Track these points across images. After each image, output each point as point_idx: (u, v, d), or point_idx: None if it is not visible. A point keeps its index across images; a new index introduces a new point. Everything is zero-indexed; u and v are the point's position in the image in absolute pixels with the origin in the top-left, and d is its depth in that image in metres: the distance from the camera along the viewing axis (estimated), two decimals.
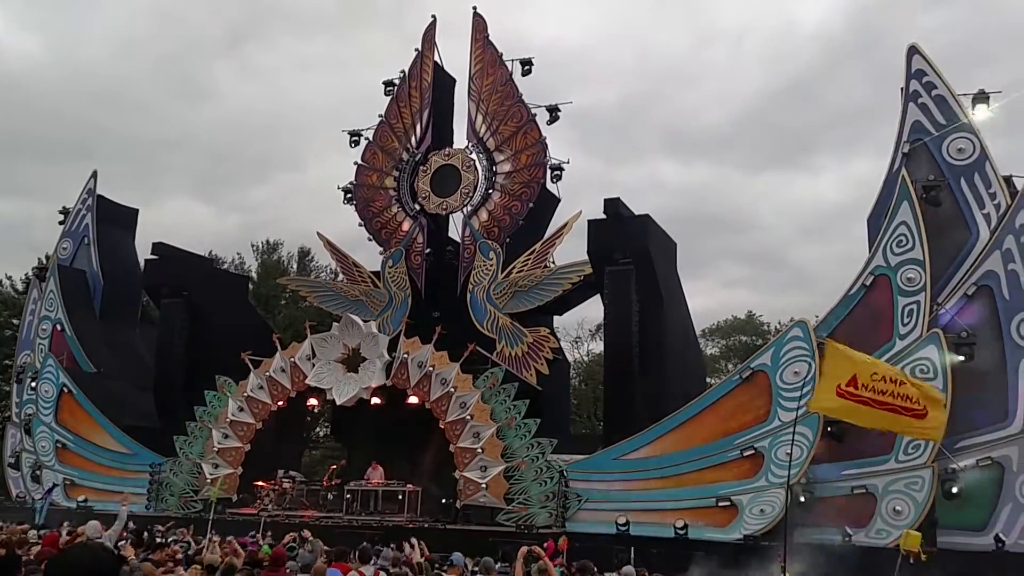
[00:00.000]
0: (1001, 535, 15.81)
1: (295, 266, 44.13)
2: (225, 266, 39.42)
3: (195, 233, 59.50)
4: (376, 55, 57.61)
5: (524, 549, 8.75)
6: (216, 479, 20.85)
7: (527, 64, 24.06)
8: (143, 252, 26.34)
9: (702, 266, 60.37)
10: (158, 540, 12.87)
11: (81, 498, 22.28)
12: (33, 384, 24.67)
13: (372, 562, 9.35)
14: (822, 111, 58.23)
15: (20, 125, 60.29)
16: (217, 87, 64.39)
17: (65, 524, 15.13)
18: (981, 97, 18.07)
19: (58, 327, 25.66)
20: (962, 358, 16.36)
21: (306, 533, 12.92)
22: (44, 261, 29.75)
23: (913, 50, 18.59)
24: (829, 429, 16.26)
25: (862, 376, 8.02)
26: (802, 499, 16.30)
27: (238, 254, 44.77)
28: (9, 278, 38.94)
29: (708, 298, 60.35)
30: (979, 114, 17.95)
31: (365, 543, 10.52)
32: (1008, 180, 17.67)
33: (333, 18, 64.07)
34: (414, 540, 11.25)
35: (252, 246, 45.75)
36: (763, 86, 59.05)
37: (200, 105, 64.83)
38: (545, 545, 13.56)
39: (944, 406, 8.98)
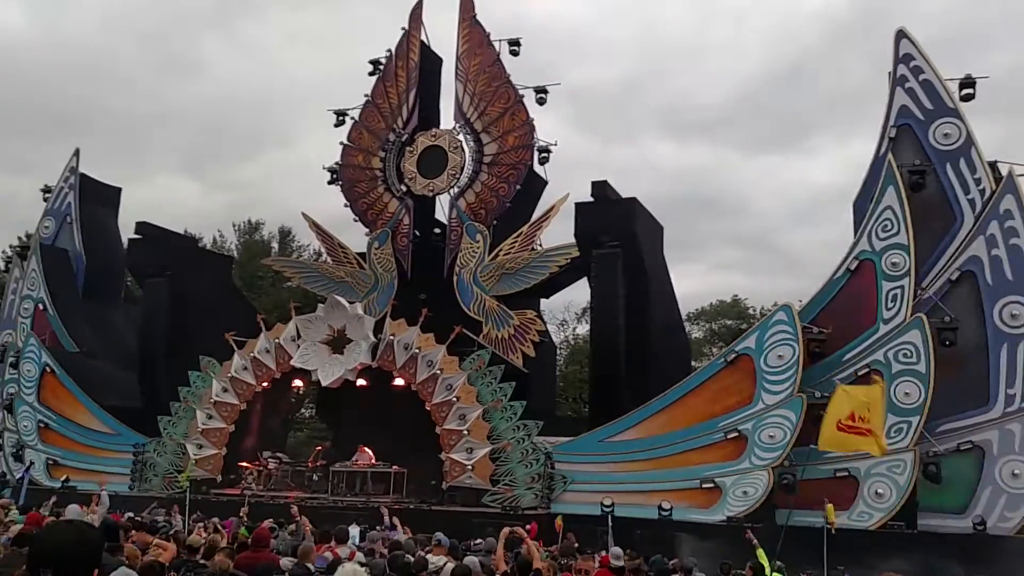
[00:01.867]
0: (981, 517, 16.01)
1: (276, 246, 43.86)
2: (204, 243, 39.13)
3: (182, 210, 58.55)
4: (369, 29, 56.51)
5: (506, 530, 8.75)
6: (188, 463, 20.74)
7: (515, 44, 23.86)
8: (127, 231, 26.12)
9: (695, 248, 60.27)
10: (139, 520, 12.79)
11: (63, 478, 22.17)
12: (15, 364, 24.47)
13: (348, 542, 9.34)
14: (821, 92, 57.54)
15: (2, 100, 59.51)
16: (206, 61, 63.11)
17: (47, 503, 15.06)
18: (967, 82, 18.11)
19: (40, 306, 25.44)
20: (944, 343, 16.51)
21: (294, 511, 12.90)
22: (26, 239, 29.44)
23: (901, 34, 18.58)
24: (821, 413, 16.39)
25: (859, 410, 10.36)
26: (784, 482, 16.45)
27: (219, 232, 44.48)
28: None
29: (700, 281, 60.07)
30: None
31: (342, 524, 10.53)
32: (993, 166, 17.76)
33: None
34: (384, 509, 11.21)
35: (233, 225, 45.47)
36: (763, 66, 58.24)
37: (188, 79, 63.63)
38: (528, 527, 13.61)
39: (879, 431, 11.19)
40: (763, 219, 58.95)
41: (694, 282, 58.43)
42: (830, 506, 12.69)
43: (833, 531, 11.14)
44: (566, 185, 25.57)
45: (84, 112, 60.04)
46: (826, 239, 55.09)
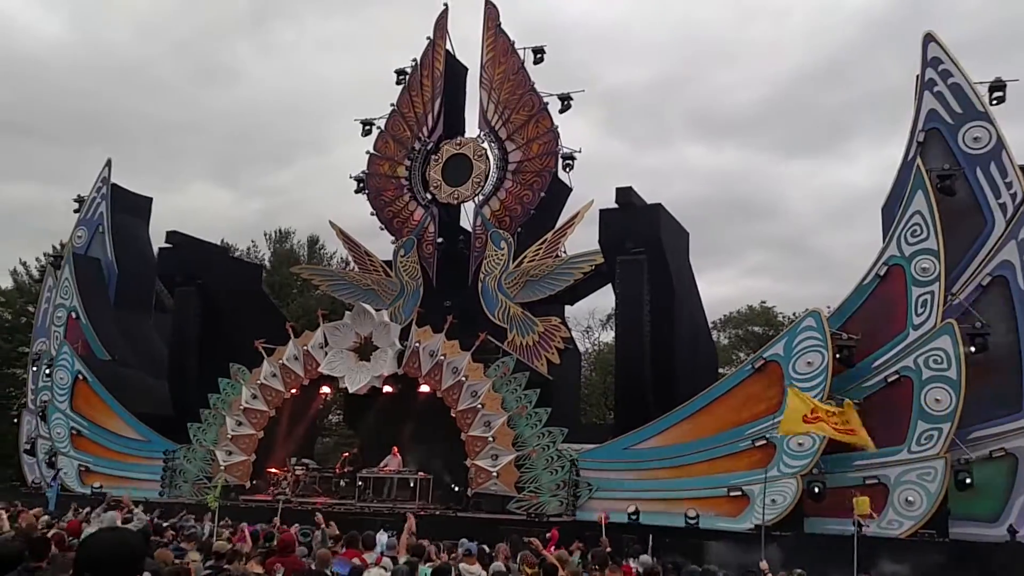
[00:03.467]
0: (1014, 526, 15.73)
1: (305, 254, 44.25)
2: (238, 254, 39.56)
3: (215, 218, 58.87)
4: (403, 35, 56.48)
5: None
6: (216, 483, 20.92)
7: (539, 52, 23.95)
8: (159, 239, 26.46)
9: (726, 253, 59.12)
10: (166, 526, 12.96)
11: (96, 484, 22.49)
12: (48, 371, 24.89)
13: (375, 549, 9.42)
14: (859, 93, 56.15)
15: (40, 107, 60.20)
16: (239, 68, 63.28)
17: (83, 510, 15.30)
18: (998, 85, 17.88)
19: (73, 315, 25.86)
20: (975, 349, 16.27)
21: (318, 518, 12.99)
22: (59, 248, 29.98)
23: (929, 38, 18.40)
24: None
25: (819, 410, 13.15)
26: (815, 490, 16.29)
27: (252, 242, 44.98)
28: (24, 264, 39.32)
29: (731, 286, 59.27)
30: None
31: (369, 531, 10.60)
32: None
33: None
34: (410, 516, 11.30)
35: (264, 234, 45.96)
36: (800, 66, 56.72)
37: (222, 87, 64.01)
38: (548, 534, 13.61)
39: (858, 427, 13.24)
40: (797, 222, 57.91)
41: (725, 287, 57.85)
42: (863, 498, 12.87)
43: (868, 525, 11.07)
44: (597, 189, 25.49)
45: (119, 120, 60.91)
46: (862, 243, 53.56)
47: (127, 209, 27.82)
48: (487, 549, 11.04)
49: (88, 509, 13.74)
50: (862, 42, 54.43)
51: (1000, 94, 17.90)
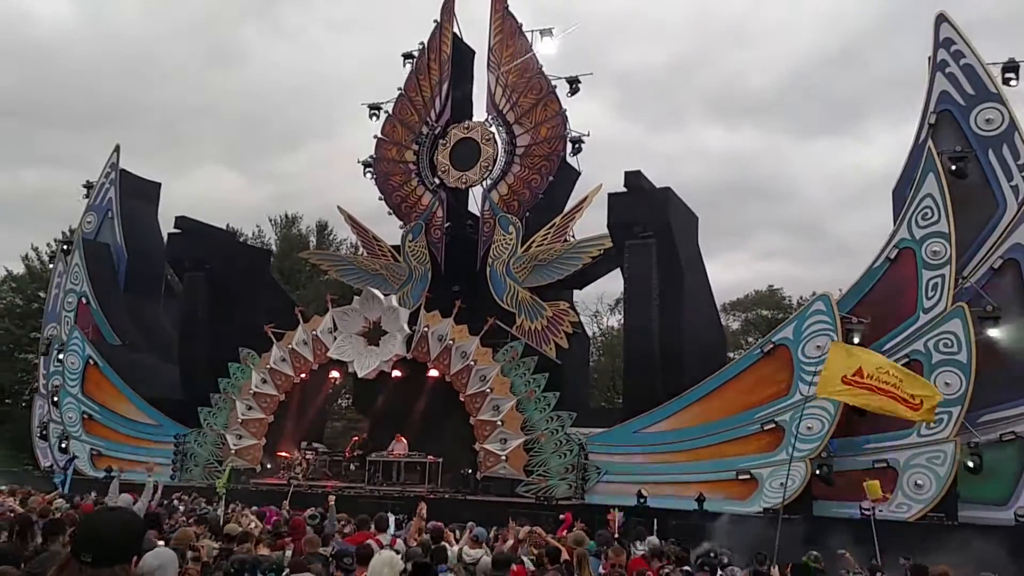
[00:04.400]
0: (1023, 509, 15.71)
1: (314, 239, 44.28)
2: (243, 239, 39.60)
3: (224, 203, 58.81)
4: (414, 17, 55.84)
5: (526, 529, 8.81)
6: (225, 467, 21.02)
7: (547, 35, 23.80)
8: (168, 224, 26.53)
9: (740, 236, 58.85)
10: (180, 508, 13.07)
11: (107, 468, 22.66)
12: (60, 356, 25.05)
13: (388, 530, 9.48)
14: (876, 75, 55.46)
15: (49, 93, 60.25)
16: (248, 52, 63.09)
17: (93, 494, 15.42)
18: (1011, 66, 17.69)
19: (83, 300, 26.00)
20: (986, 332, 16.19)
21: (330, 500, 13.06)
22: (69, 234, 30.07)
23: (941, 18, 18.21)
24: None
25: (867, 368, 9.68)
26: (819, 472, 16.29)
27: (257, 227, 45.04)
28: (35, 249, 39.47)
29: (744, 269, 58.54)
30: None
31: (381, 512, 10.65)
32: None
33: None
34: (422, 504, 11.35)
35: (270, 220, 45.99)
36: (816, 48, 56.17)
37: (231, 71, 63.73)
38: (562, 516, 13.65)
39: (936, 395, 10.16)
40: (812, 205, 57.29)
41: (739, 270, 57.42)
42: (874, 482, 11.77)
43: (880, 508, 10.35)
44: (609, 171, 25.20)
45: (127, 105, 60.88)
46: (877, 225, 52.91)
47: (136, 194, 27.89)
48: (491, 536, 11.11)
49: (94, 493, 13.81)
50: (878, 23, 53.92)
51: (1013, 75, 17.71)
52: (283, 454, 22.15)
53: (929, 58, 18.34)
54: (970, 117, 17.68)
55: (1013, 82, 17.76)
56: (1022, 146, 17.23)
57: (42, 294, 32.25)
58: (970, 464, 15.86)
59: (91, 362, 24.51)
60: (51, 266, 28.49)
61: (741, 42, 58.92)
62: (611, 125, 53.69)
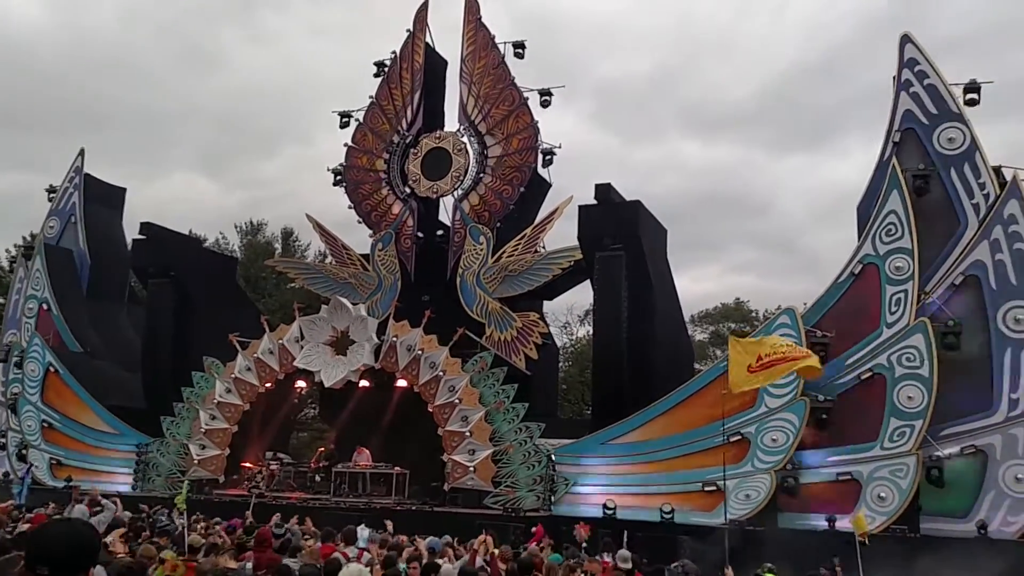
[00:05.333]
0: (984, 521, 15.97)
1: (279, 246, 43.86)
2: (207, 244, 39.12)
3: (198, 209, 57.85)
4: (392, 25, 55.59)
5: (482, 537, 8.78)
6: (184, 485, 20.71)
7: (519, 47, 23.89)
8: (136, 231, 26.07)
9: (713, 248, 58.58)
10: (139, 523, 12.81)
11: (67, 478, 22.21)
12: (19, 364, 24.53)
13: (355, 543, 9.38)
14: (854, 90, 55.54)
15: (20, 95, 58.78)
16: (225, 55, 61.93)
17: (51, 505, 15.10)
18: (972, 87, 18.08)
19: (44, 306, 25.50)
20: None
21: (307, 523, 12.89)
22: (31, 239, 29.51)
23: (906, 39, 18.55)
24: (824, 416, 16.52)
25: (762, 350, 11.71)
26: (785, 484, 16.44)
27: (221, 233, 44.51)
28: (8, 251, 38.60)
29: (715, 283, 58.69)
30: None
31: (350, 525, 10.54)
32: (997, 170, 17.69)
33: None
34: (388, 523, 11.29)
35: (235, 226, 45.50)
36: (795, 62, 56.28)
37: (207, 74, 62.69)
38: (534, 529, 13.62)
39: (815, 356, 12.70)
40: (786, 220, 57.41)
41: (710, 284, 57.64)
42: (860, 516, 12.13)
43: (866, 542, 10.68)
44: (585, 183, 25.25)
45: (101, 108, 59.56)
46: (848, 241, 53.41)
47: (100, 199, 27.46)
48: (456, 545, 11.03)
49: (70, 505, 13.52)
50: (858, 39, 54.05)
51: (975, 95, 18.09)
52: (247, 465, 21.87)
53: (894, 77, 18.69)
54: (933, 136, 18.01)
55: (975, 102, 18.13)
56: (983, 165, 17.58)
57: (1, 300, 31.61)
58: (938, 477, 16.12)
59: (51, 369, 24.03)
60: (11, 272, 27.92)
61: (720, 55, 59.33)
62: (587, 136, 53.96)
